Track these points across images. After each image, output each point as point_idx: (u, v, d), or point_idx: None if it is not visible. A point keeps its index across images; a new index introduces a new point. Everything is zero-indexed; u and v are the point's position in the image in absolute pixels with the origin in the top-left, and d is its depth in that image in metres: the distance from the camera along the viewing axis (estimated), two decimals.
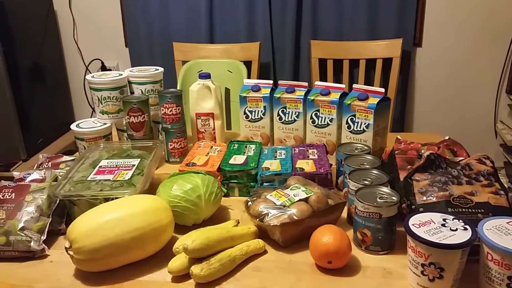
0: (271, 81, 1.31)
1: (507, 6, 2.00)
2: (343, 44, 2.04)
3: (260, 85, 1.30)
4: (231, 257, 0.77)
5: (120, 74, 1.24)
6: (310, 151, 1.15)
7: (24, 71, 2.03)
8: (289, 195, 0.87)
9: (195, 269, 0.73)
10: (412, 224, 0.72)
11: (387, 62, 2.00)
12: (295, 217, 0.82)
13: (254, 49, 2.04)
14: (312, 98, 1.20)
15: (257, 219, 0.85)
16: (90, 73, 2.38)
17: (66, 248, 0.76)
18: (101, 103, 1.21)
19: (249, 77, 2.00)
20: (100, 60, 2.35)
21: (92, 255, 0.74)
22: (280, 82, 1.29)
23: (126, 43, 2.31)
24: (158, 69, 1.32)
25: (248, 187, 1.06)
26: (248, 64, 2.03)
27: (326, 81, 2.04)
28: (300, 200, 0.86)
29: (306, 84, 1.27)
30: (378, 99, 1.12)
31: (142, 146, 1.15)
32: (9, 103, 1.93)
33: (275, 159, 1.11)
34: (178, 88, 1.98)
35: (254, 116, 1.29)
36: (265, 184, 1.04)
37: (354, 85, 1.19)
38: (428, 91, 2.18)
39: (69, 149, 2.29)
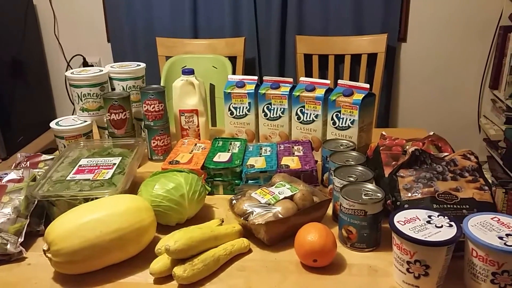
0: (255, 77, 1.29)
1: (491, 2, 2.02)
2: (329, 39, 2.03)
3: (244, 81, 1.29)
4: (215, 257, 0.75)
5: (101, 70, 1.21)
6: (295, 147, 1.13)
7: (3, 68, 1.98)
8: (274, 193, 0.86)
9: (178, 270, 0.71)
10: (397, 221, 0.71)
11: (372, 57, 2.00)
12: (280, 215, 0.81)
13: (239, 45, 2.02)
14: (297, 94, 1.19)
15: (242, 218, 0.84)
16: (71, 69, 2.33)
17: (44, 250, 0.74)
18: (81, 100, 1.18)
19: (234, 72, 1.98)
20: (82, 56, 2.30)
21: (71, 257, 0.72)
22: (265, 78, 1.28)
23: (108, 38, 2.27)
24: (140, 65, 1.29)
25: (232, 185, 1.05)
26: (233, 59, 2.01)
27: (311, 76, 2.02)
28: (285, 198, 0.85)
29: (291, 80, 1.25)
30: (363, 95, 1.11)
31: (123, 144, 1.12)
32: None
33: (260, 156, 1.09)
34: (162, 84, 1.95)
35: (239, 113, 1.28)
36: (250, 181, 1.03)
37: (339, 81, 1.18)
38: (413, 87, 2.19)
39: (50, 147, 2.24)
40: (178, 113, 1.29)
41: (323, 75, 2.07)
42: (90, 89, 1.17)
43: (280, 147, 1.15)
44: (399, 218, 0.72)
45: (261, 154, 1.11)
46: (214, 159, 1.08)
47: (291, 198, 0.86)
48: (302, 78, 1.23)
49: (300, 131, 1.22)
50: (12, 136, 2.02)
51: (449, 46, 2.11)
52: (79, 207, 0.78)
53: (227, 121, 1.30)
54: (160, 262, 0.74)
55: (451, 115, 2.21)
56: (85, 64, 2.31)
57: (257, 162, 1.06)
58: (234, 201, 0.88)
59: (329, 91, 1.18)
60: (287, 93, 1.21)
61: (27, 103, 2.16)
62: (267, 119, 1.25)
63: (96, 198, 0.82)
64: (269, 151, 1.12)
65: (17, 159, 1.08)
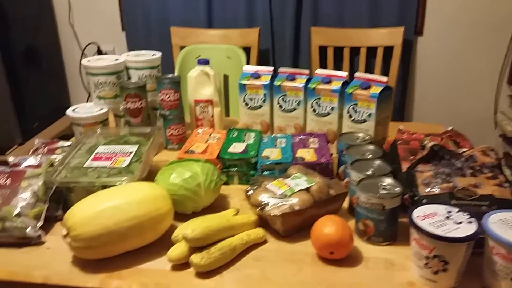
0: (271, 68, 1.28)
1: None
2: (344, 31, 2.01)
3: (260, 72, 1.28)
4: (231, 246, 0.76)
5: (117, 59, 1.21)
6: (310, 140, 1.13)
7: (19, 55, 1.99)
8: (290, 185, 0.86)
9: (195, 258, 0.72)
10: (417, 216, 0.71)
11: (388, 50, 1.97)
12: (296, 207, 0.81)
13: (253, 35, 2.01)
14: (313, 86, 1.18)
15: (258, 209, 0.84)
16: (87, 57, 2.34)
17: (63, 235, 0.75)
18: (98, 88, 1.18)
19: (248, 63, 1.97)
20: (96, 44, 2.31)
21: (89, 243, 0.73)
22: (280, 69, 1.27)
23: (123, 27, 2.27)
24: (155, 54, 1.29)
25: (247, 176, 1.05)
26: (247, 50, 2.00)
27: (326, 68, 2.00)
28: (301, 190, 0.84)
29: (307, 71, 1.24)
30: (381, 88, 1.10)
31: (139, 132, 1.12)
32: (4, 87, 1.89)
33: (275, 148, 1.09)
34: (176, 74, 1.95)
35: (254, 104, 1.27)
36: (264, 173, 1.03)
37: (356, 74, 1.17)
38: (429, 81, 2.17)
39: (65, 133, 2.27)
40: (193, 103, 1.29)
41: (338, 68, 2.05)
42: (106, 77, 1.17)
43: (295, 139, 1.14)
44: (418, 213, 0.72)
45: (276, 145, 1.11)
46: (229, 150, 1.08)
47: (307, 190, 0.85)
48: (318, 70, 1.22)
49: (316, 124, 1.21)
50: (28, 122, 2.04)
51: (466, 40, 2.08)
52: (97, 194, 0.78)
53: (242, 112, 1.29)
54: (178, 250, 0.74)
55: (467, 110, 2.18)
56: (100, 52, 2.31)
57: (272, 154, 1.05)
58: (250, 192, 0.89)
59: (345, 84, 1.17)
60: (303, 85, 1.20)
61: (42, 90, 2.18)
62: (282, 111, 1.25)
63: (114, 186, 0.83)
64: (284, 142, 1.12)
65: (35, 145, 1.09)
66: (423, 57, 2.13)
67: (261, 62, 2.10)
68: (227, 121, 1.45)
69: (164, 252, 0.78)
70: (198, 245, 0.73)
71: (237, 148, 1.09)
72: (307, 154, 1.04)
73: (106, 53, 2.32)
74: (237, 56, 1.92)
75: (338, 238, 0.73)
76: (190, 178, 0.88)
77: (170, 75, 1.23)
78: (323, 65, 2.04)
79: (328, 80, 1.18)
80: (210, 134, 1.19)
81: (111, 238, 0.73)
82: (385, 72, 2.02)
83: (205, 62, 1.28)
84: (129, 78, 1.25)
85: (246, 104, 1.28)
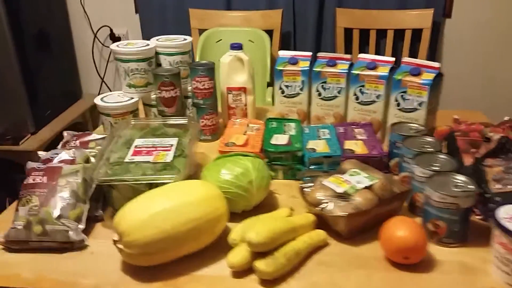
0: (309, 53, 1.21)
1: None
2: (371, 13, 1.92)
3: (297, 57, 1.20)
4: (296, 250, 0.70)
5: (147, 44, 1.13)
6: (356, 130, 1.06)
7: (30, 40, 1.90)
8: (351, 182, 0.80)
9: (260, 264, 0.66)
10: (504, 218, 0.65)
11: (416, 33, 1.89)
12: (362, 207, 0.75)
13: (275, 17, 1.92)
14: (357, 72, 1.11)
15: (316, 208, 0.78)
16: (99, 40, 2.25)
17: (114, 241, 0.69)
18: (128, 76, 1.11)
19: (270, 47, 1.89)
20: (109, 27, 2.21)
21: (145, 249, 0.67)
22: (319, 54, 1.19)
23: (136, 9, 2.17)
24: (186, 39, 1.21)
25: (293, 170, 0.98)
26: (268, 33, 1.91)
27: (350, 52, 1.93)
28: (364, 188, 0.78)
29: (349, 56, 1.17)
30: (434, 75, 1.03)
31: (174, 123, 1.05)
32: (17, 74, 1.81)
33: (319, 139, 1.03)
34: (197, 59, 1.87)
35: (291, 91, 1.20)
36: (311, 166, 0.96)
37: (404, 59, 1.09)
38: (456, 65, 2.09)
39: (77, 121, 2.19)
40: (226, 91, 1.22)
41: (362, 51, 1.97)
42: (138, 64, 1.10)
43: (339, 129, 1.08)
44: (504, 215, 0.66)
45: (319, 137, 1.04)
46: (272, 142, 1.01)
47: (369, 188, 0.79)
48: (362, 55, 1.15)
49: (358, 113, 1.14)
50: (40, 110, 1.96)
51: (497, 23, 1.99)
52: (148, 194, 0.72)
53: (277, 100, 1.22)
54: (239, 255, 0.68)
55: (497, 98, 2.10)
56: (112, 36, 2.22)
57: (318, 146, 0.99)
58: (306, 189, 0.82)
59: (392, 70, 1.09)
60: (346, 71, 1.13)
61: (54, 76, 2.09)
62: (321, 98, 1.18)
63: (162, 183, 0.76)
64: (328, 134, 1.06)
65: (64, 138, 1.02)
66: (451, 40, 2.04)
67: (281, 45, 2.01)
68: (257, 109, 1.38)
69: (219, 256, 0.73)
70: (263, 250, 0.68)
71: (279, 140, 1.02)
72: (356, 146, 0.98)
73: (119, 37, 2.23)
74: (261, 39, 1.84)
75: (414, 241, 0.68)
76: (242, 175, 0.81)
77: (203, 62, 1.16)
78: (348, 49, 1.96)
79: (373, 66, 1.11)
80: (248, 125, 1.12)
81: (168, 243, 0.67)
82: (411, 56, 1.93)
83: (239, 47, 1.21)
84: (158, 64, 1.17)
85: (282, 91, 1.21)
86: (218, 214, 0.72)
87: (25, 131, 1.90)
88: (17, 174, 2.04)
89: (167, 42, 1.16)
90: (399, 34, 1.91)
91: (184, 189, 0.72)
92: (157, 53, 1.16)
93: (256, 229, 0.68)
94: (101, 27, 2.20)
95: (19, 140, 1.84)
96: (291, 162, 0.98)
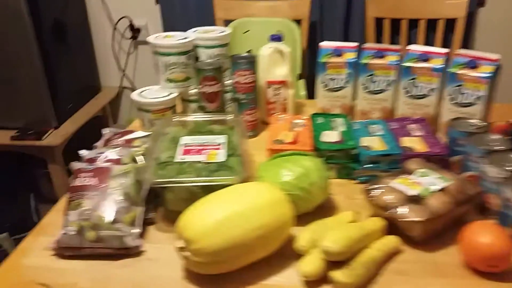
0: (354, 44, 1.15)
1: None
2: (403, 1, 1.85)
3: (342, 49, 1.15)
4: (373, 259, 0.65)
5: (186, 37, 1.08)
6: (410, 126, 1.01)
7: (47, 31, 1.84)
8: (422, 184, 0.75)
9: (338, 275, 0.62)
10: None
11: (449, 23, 1.82)
12: (439, 211, 0.70)
13: (304, 6, 1.85)
14: (409, 64, 1.05)
15: (387, 212, 0.73)
16: (119, 32, 2.19)
17: (178, 248, 0.64)
18: (168, 70, 1.06)
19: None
20: (128, 18, 2.15)
21: (214, 257, 0.62)
22: (365, 45, 1.14)
23: (157, 0, 2.10)
24: (224, 31, 1.15)
25: (348, 169, 0.93)
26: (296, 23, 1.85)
27: (380, 42, 1.86)
28: (439, 190, 0.73)
29: (397, 47, 1.11)
30: (494, 68, 0.97)
31: (217, 120, 1.00)
32: (38, 67, 1.76)
33: (372, 136, 0.97)
34: None
35: (335, 85, 1.15)
36: (366, 165, 0.91)
37: (460, 50, 1.04)
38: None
39: (97, 115, 2.14)
40: (265, 85, 1.16)
41: (393, 42, 1.90)
42: (178, 57, 1.04)
43: (391, 125, 1.02)
44: None
45: (371, 133, 0.99)
46: (322, 139, 0.96)
47: (442, 189, 0.74)
48: (411, 46, 1.09)
49: (408, 107, 1.09)
50: (61, 104, 1.91)
51: None
52: (212, 198, 0.67)
53: (320, 94, 1.17)
54: (313, 264, 0.63)
55: None
56: (132, 27, 2.16)
57: (373, 143, 0.94)
58: (373, 191, 0.77)
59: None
60: (397, 63, 1.07)
61: (73, 69, 2.04)
62: (368, 92, 1.12)
63: (222, 185, 0.71)
64: (381, 130, 1.00)
65: (105, 135, 0.97)
66: (484, 30, 1.97)
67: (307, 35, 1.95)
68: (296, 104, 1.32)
69: (286, 263, 0.68)
70: (340, 259, 0.63)
71: (330, 137, 0.97)
72: (415, 143, 0.92)
73: (138, 29, 2.17)
74: (290, 30, 1.77)
75: (503, 249, 0.63)
76: (303, 176, 0.76)
77: (244, 54, 1.10)
78: (378, 39, 1.89)
79: (426, 57, 1.05)
80: (293, 121, 1.07)
81: (237, 251, 0.63)
82: (444, 46, 1.86)
83: (279, 38, 1.15)
84: (196, 58, 1.12)
85: (326, 85, 1.15)
86: (286, 219, 0.67)
87: (48, 126, 1.86)
88: (39, 169, 2.01)
89: (206, 34, 1.11)
90: (431, 24, 1.84)
91: (250, 193, 0.67)
92: (196, 46, 1.11)
93: (332, 237, 0.63)
94: (120, 19, 2.14)
95: (42, 135, 1.80)
96: (345, 161, 0.93)
